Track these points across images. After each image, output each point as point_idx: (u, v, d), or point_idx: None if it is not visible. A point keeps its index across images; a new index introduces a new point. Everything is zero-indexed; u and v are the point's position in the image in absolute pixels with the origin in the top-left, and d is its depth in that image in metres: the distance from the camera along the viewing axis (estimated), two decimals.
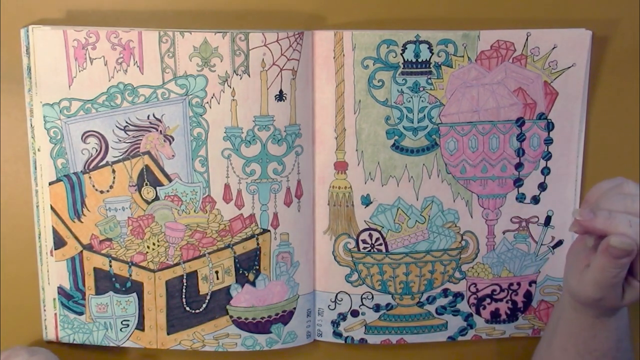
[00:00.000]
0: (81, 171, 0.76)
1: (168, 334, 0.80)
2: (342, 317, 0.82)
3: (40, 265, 0.78)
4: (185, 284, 0.79)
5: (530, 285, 0.83)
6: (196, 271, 0.79)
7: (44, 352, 0.73)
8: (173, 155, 0.76)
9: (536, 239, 0.81)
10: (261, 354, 0.82)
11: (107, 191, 0.76)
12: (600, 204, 0.61)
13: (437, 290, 0.82)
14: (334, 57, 0.76)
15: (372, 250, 0.80)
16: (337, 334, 0.82)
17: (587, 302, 0.64)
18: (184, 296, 0.79)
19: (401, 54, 0.76)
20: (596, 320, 0.65)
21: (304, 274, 0.80)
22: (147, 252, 0.78)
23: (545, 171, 0.80)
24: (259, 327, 0.80)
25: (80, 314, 0.79)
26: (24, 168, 0.77)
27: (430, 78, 0.77)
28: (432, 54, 0.76)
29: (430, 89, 0.77)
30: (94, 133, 0.75)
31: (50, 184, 0.76)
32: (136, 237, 0.77)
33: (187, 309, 0.79)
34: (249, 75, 0.74)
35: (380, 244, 0.80)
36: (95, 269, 0.78)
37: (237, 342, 0.81)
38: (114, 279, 0.78)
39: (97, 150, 0.75)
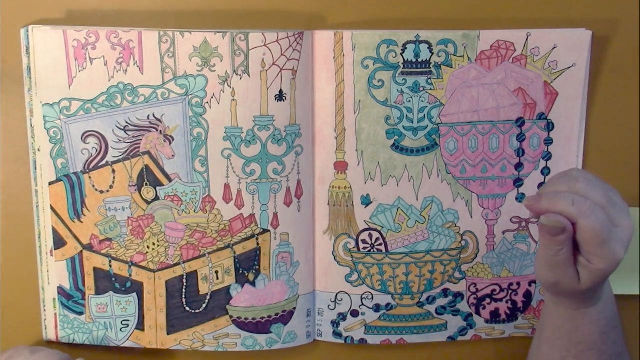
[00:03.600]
0: (81, 171, 0.76)
1: (168, 334, 0.80)
2: (342, 317, 0.82)
3: (40, 265, 0.78)
4: (185, 284, 0.79)
5: (530, 285, 0.83)
6: (196, 271, 0.79)
7: (45, 351, 0.73)
8: (173, 155, 0.76)
9: (536, 239, 0.81)
10: (261, 354, 0.82)
11: (107, 191, 0.76)
12: (547, 189, 0.63)
13: (437, 290, 0.82)
14: (334, 57, 0.76)
15: (372, 251, 0.80)
16: (337, 334, 0.82)
17: (547, 287, 0.66)
18: (184, 296, 0.79)
19: (401, 54, 0.76)
20: (575, 312, 0.66)
21: (304, 274, 0.80)
22: (147, 252, 0.78)
23: (545, 171, 0.80)
24: (259, 327, 0.80)
25: (80, 314, 0.79)
26: (24, 168, 0.77)
27: (430, 78, 0.77)
28: (432, 54, 0.76)
29: (430, 89, 0.77)
30: (94, 133, 0.75)
31: (50, 184, 0.76)
32: (136, 237, 0.78)
33: (187, 309, 0.79)
34: (249, 75, 0.74)
35: (380, 244, 0.80)
36: (95, 269, 0.78)
37: (237, 342, 0.81)
38: (114, 279, 0.78)
39: (97, 150, 0.76)
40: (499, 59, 0.77)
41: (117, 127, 0.75)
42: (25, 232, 0.78)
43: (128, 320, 0.79)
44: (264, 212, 0.78)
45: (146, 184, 0.77)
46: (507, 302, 0.83)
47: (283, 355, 0.84)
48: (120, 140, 0.76)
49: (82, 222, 0.77)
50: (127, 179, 0.76)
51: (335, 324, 0.82)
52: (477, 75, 0.77)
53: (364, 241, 0.80)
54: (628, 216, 0.62)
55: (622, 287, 0.81)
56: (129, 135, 0.76)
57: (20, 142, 0.76)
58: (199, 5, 0.76)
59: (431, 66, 0.77)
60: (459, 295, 0.82)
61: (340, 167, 0.78)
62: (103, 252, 0.78)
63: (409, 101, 0.77)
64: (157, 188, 0.77)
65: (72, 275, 0.78)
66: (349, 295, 0.81)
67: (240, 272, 0.79)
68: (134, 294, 0.79)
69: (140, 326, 0.79)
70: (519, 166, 0.79)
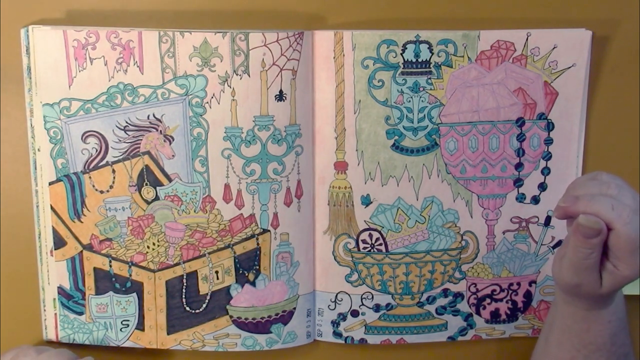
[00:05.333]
0: (81, 171, 0.76)
1: (168, 334, 0.80)
2: (342, 317, 0.82)
3: (40, 265, 0.78)
4: (185, 284, 0.79)
5: (530, 285, 0.83)
6: (196, 271, 0.79)
7: (51, 350, 0.73)
8: (173, 155, 0.76)
9: (536, 239, 0.81)
10: (261, 354, 0.82)
11: (107, 191, 0.76)
12: (577, 192, 0.62)
13: (437, 290, 0.82)
14: (334, 57, 0.76)
15: (372, 250, 0.80)
16: (337, 334, 0.82)
17: (566, 288, 0.65)
18: (184, 296, 0.79)
19: (401, 54, 0.76)
20: (588, 313, 0.66)
21: (304, 274, 0.80)
22: (147, 252, 0.78)
23: (545, 171, 0.80)
24: (259, 327, 0.80)
25: (80, 314, 0.79)
26: (24, 168, 0.77)
27: (430, 78, 0.77)
28: (432, 54, 0.76)
29: (430, 89, 0.77)
30: (94, 133, 0.75)
31: (50, 184, 0.76)
32: (136, 237, 0.78)
33: (187, 309, 0.79)
34: (249, 75, 0.74)
35: (380, 244, 0.80)
36: (95, 269, 0.78)
37: (237, 342, 0.81)
38: (114, 279, 0.78)
39: (97, 150, 0.76)
40: (499, 59, 0.77)
41: (117, 127, 0.75)
42: (25, 232, 0.78)
43: (128, 320, 0.79)
44: (264, 212, 0.78)
45: (146, 184, 0.77)
46: (507, 302, 0.83)
47: (283, 355, 0.84)
48: (120, 140, 0.76)
49: (82, 222, 0.77)
50: (127, 179, 0.76)
51: (335, 324, 0.82)
52: (477, 75, 0.77)
53: (364, 241, 0.80)
54: None
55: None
56: (129, 135, 0.76)
57: (20, 142, 0.76)
58: (199, 5, 0.76)
59: (431, 66, 0.77)
60: (459, 295, 0.82)
61: (340, 167, 0.78)
62: (103, 252, 0.78)
63: (409, 101, 0.77)
64: (157, 188, 0.77)
65: (72, 275, 0.78)
66: (349, 295, 0.81)
67: (240, 272, 0.79)
68: (134, 294, 0.79)
69: (140, 326, 0.79)
70: (519, 166, 0.79)
